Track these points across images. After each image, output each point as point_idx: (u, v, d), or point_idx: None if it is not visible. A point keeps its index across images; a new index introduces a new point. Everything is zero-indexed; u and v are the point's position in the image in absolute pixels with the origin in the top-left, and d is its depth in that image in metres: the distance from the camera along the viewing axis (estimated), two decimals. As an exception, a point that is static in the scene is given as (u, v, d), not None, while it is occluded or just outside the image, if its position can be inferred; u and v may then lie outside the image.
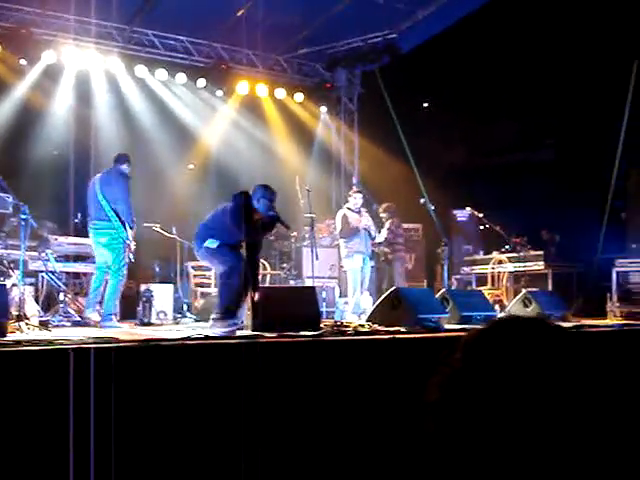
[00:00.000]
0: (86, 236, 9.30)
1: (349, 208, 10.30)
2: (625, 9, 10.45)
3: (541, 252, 11.30)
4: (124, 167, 8.48)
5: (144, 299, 8.66)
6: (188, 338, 5.14)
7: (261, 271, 11.62)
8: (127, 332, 6.88)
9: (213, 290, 10.90)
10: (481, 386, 1.14)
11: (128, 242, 8.18)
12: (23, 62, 11.04)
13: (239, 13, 11.50)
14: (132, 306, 9.40)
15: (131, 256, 8.31)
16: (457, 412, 1.16)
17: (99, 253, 8.39)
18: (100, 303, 8.26)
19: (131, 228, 8.25)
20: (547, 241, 11.75)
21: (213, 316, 6.74)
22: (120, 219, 8.10)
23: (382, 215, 11.15)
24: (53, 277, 8.78)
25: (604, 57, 11.19)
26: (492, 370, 1.14)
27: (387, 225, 11.02)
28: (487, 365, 1.15)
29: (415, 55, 12.93)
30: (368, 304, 9.68)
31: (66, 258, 9.41)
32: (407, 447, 5.01)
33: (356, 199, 10.29)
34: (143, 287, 9.10)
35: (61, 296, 8.65)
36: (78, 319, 8.47)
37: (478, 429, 1.12)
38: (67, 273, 9.37)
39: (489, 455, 1.11)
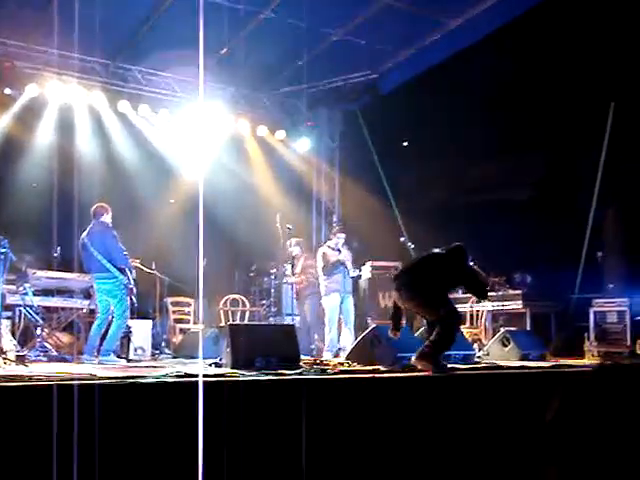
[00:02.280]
0: (65, 270, 9.32)
1: (329, 246, 10.38)
2: (602, 54, 10.67)
3: (519, 291, 11.37)
4: (104, 218, 8.72)
5: (122, 335, 8.62)
6: (167, 375, 5.11)
7: (240, 307, 11.66)
8: (106, 368, 6.82)
9: (192, 326, 10.87)
10: (583, 435, 1.19)
11: (130, 287, 8.46)
12: (8, 92, 11.09)
13: (222, 51, 11.62)
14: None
15: (134, 299, 8.61)
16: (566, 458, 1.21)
17: (102, 300, 8.57)
18: (98, 349, 8.37)
19: (130, 272, 8.58)
20: (519, 282, 11.86)
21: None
22: (118, 267, 8.39)
23: (291, 249, 10.85)
24: (31, 311, 8.73)
25: (582, 99, 11.39)
26: (593, 421, 1.20)
27: (301, 262, 10.87)
28: (588, 416, 1.21)
29: (396, 94, 13.09)
30: (348, 341, 9.68)
31: (44, 292, 9.34)
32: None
33: (339, 239, 10.35)
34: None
35: (38, 330, 8.59)
36: (55, 354, 8.44)
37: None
38: (45, 307, 9.29)
39: None
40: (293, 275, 10.81)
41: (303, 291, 10.76)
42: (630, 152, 11.60)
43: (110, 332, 8.37)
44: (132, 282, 8.52)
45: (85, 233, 8.66)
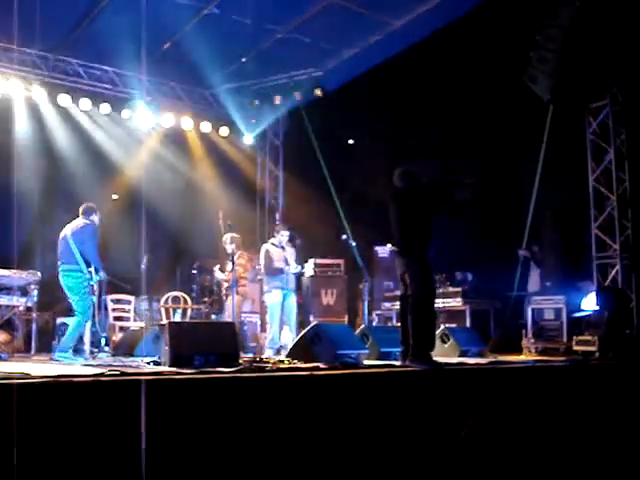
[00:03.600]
0: (2, 267, 9.14)
1: (273, 243, 10.30)
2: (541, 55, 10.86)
3: (459, 289, 11.53)
4: (92, 217, 8.77)
5: (60, 333, 8.49)
6: (102, 374, 5.05)
7: (182, 304, 11.57)
8: (40, 367, 6.70)
9: (132, 324, 10.75)
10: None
11: (92, 284, 8.45)
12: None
13: (165, 46, 11.52)
14: (48, 340, 9.20)
15: (94, 298, 8.56)
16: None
17: (69, 296, 8.51)
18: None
19: (97, 272, 8.51)
20: (461, 281, 12.03)
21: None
22: (88, 264, 8.40)
23: (228, 247, 10.30)
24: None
25: (522, 100, 11.59)
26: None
27: (238, 259, 10.35)
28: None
29: (340, 93, 13.15)
30: (288, 339, 9.68)
31: (-19, 290, 9.12)
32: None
33: (282, 236, 10.28)
34: (59, 320, 8.90)
35: (-25, 329, 8.42)
36: (-8, 352, 8.28)
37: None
38: (-19, 305, 9.08)
39: None
40: (223, 273, 10.76)
41: (229, 289, 10.59)
42: (567, 154, 11.87)
43: (69, 329, 8.31)
44: (95, 281, 8.49)
45: (68, 225, 8.67)
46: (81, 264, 8.35)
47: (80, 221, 8.68)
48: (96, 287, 8.57)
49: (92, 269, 8.44)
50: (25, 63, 11.75)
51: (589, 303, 10.60)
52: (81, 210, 8.81)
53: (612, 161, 11.42)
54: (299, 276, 10.81)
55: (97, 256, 8.53)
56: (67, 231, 8.57)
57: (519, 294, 11.66)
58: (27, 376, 4.87)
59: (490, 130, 12.45)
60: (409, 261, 7.29)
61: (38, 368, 6.29)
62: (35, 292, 9.12)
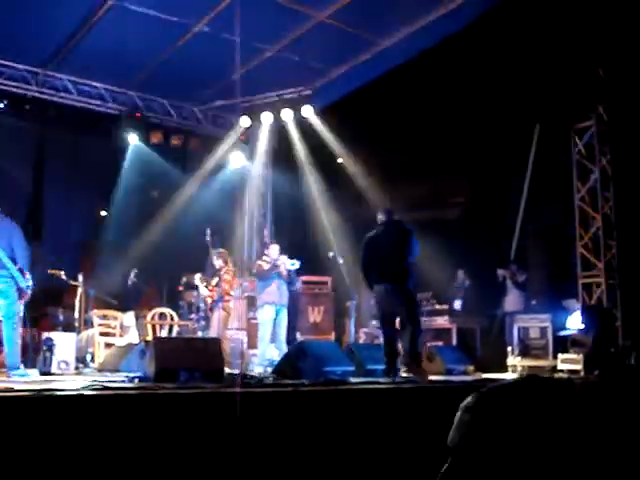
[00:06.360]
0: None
1: (264, 260, 10.27)
2: (527, 76, 10.98)
3: (446, 307, 11.56)
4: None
5: (45, 348, 8.41)
6: (85, 388, 5.04)
7: (168, 321, 11.52)
8: (24, 382, 6.66)
9: (117, 340, 10.70)
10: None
11: (24, 292, 7.88)
12: None
13: (156, 63, 11.56)
14: (34, 355, 9.13)
15: (21, 307, 7.97)
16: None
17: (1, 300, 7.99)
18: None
19: (29, 276, 7.94)
20: (450, 299, 12.06)
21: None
22: (18, 267, 7.80)
23: (215, 263, 10.58)
24: None
25: (508, 122, 11.69)
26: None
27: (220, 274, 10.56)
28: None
29: (329, 111, 13.20)
30: (275, 356, 9.64)
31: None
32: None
33: (273, 250, 10.26)
34: (44, 335, 8.82)
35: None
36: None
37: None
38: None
39: None
40: (206, 288, 10.75)
41: (213, 304, 10.57)
42: (554, 173, 11.97)
43: (9, 344, 7.74)
44: (28, 287, 7.87)
45: None
46: (11, 268, 7.70)
47: (3, 222, 7.89)
48: (27, 295, 7.92)
49: (27, 274, 7.83)
50: (15, 78, 11.80)
51: (574, 322, 10.64)
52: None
53: (597, 181, 11.52)
54: (293, 291, 10.68)
55: (28, 261, 7.87)
56: None
57: (505, 312, 11.72)
58: (9, 390, 4.86)
59: (479, 150, 12.54)
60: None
61: (19, 383, 6.28)
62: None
